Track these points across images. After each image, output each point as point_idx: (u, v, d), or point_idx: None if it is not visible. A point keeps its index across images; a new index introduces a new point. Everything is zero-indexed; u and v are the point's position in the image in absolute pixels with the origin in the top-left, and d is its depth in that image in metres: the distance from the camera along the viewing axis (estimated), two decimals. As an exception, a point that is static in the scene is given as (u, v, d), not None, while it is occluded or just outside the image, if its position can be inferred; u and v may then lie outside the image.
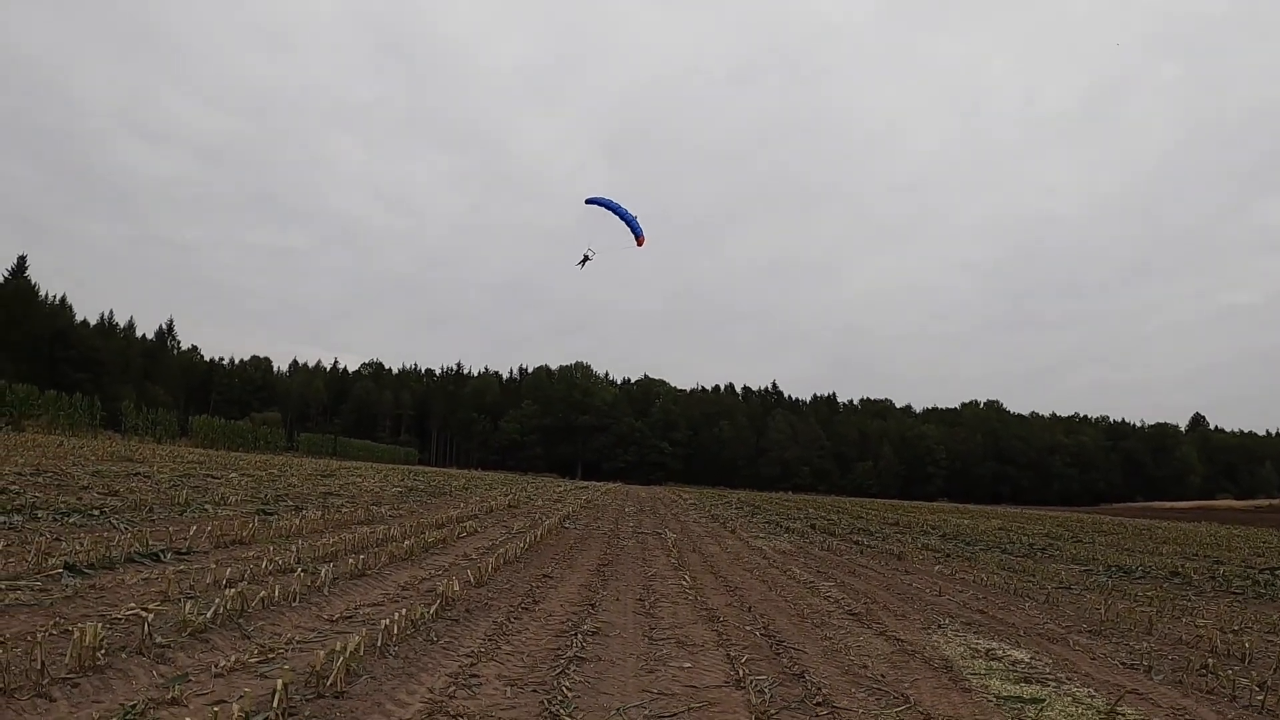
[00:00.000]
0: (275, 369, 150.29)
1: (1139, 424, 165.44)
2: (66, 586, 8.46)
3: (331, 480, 32.88)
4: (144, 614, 7.43)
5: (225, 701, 5.67)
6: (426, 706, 6.45)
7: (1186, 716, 7.70)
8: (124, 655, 6.52)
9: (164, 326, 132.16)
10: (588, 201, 34.97)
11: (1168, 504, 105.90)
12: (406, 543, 15.28)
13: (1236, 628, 12.26)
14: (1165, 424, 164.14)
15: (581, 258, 32.25)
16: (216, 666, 6.60)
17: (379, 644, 7.85)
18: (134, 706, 5.44)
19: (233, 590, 8.71)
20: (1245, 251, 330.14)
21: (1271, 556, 25.80)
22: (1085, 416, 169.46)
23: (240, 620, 8.17)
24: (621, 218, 33.23)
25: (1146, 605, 14.41)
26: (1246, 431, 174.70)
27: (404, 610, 9.15)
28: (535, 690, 7.30)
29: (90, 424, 56.72)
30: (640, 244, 34.56)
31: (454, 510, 25.36)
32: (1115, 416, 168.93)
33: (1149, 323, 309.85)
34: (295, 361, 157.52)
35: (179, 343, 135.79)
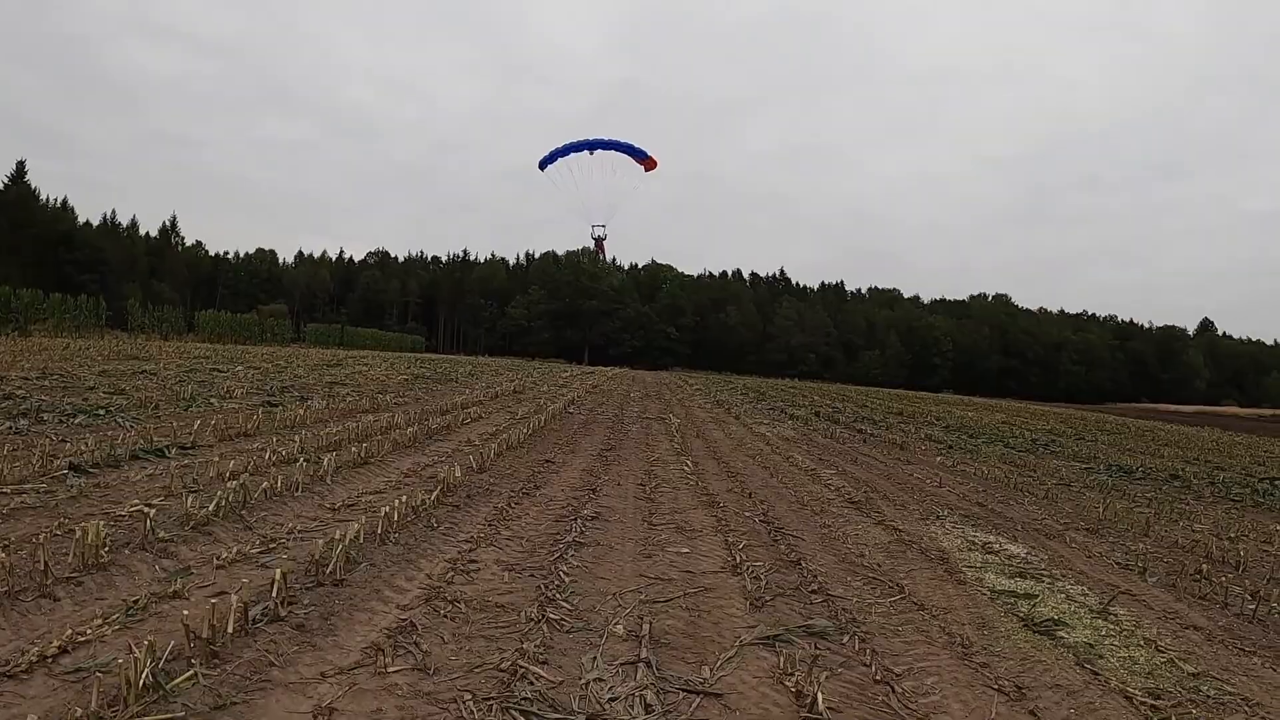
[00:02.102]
0: (281, 261, 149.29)
1: (1147, 325, 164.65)
2: (71, 487, 8.48)
3: (337, 370, 32.97)
4: (147, 510, 7.47)
5: (226, 593, 5.74)
6: (424, 592, 6.54)
7: (1177, 620, 7.76)
8: (127, 552, 6.59)
9: (167, 224, 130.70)
10: (554, 155, 31.81)
11: (1172, 407, 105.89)
12: (410, 430, 15.39)
13: (1233, 535, 12.28)
14: (1173, 327, 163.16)
15: (594, 241, 31.11)
16: (218, 559, 6.67)
17: (379, 531, 7.93)
18: (136, 601, 5.50)
19: (235, 482, 8.78)
20: (1269, 159, 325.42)
21: (1272, 466, 25.79)
22: (1094, 315, 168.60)
23: (242, 512, 8.24)
24: (615, 148, 31.02)
25: (1145, 507, 14.48)
26: (1255, 340, 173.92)
27: (405, 497, 9.22)
28: (533, 575, 7.39)
29: (96, 325, 56.69)
30: (650, 167, 32.51)
31: (459, 396, 25.50)
32: (1124, 316, 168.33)
33: (1164, 225, 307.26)
34: (301, 253, 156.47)
35: (183, 239, 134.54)
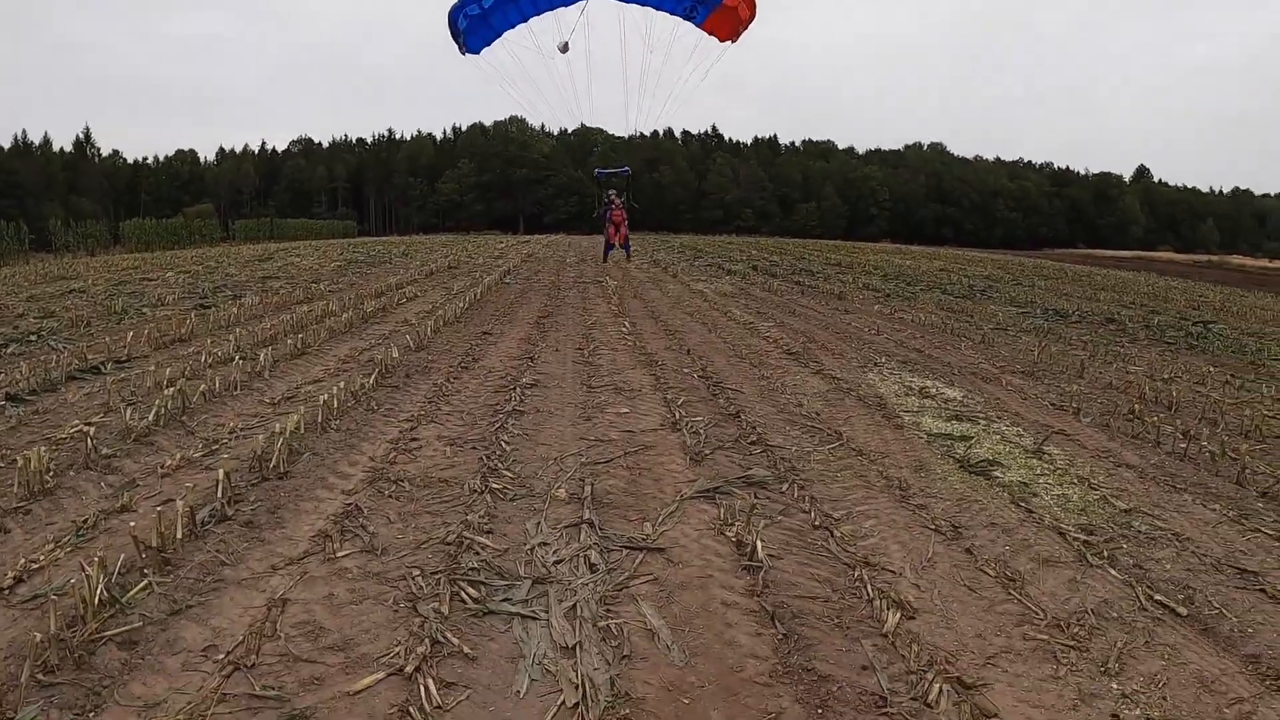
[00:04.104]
0: (202, 160, 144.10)
1: (1084, 172, 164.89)
2: (10, 417, 8.29)
3: (269, 264, 32.32)
4: (87, 429, 7.40)
5: (172, 500, 5.73)
6: (368, 475, 6.61)
7: (1111, 459, 8.01)
8: (72, 473, 6.54)
9: (81, 136, 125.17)
10: (497, 16, 19.03)
11: (1109, 252, 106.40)
12: (345, 315, 15.32)
13: (1166, 376, 12.53)
14: (1110, 174, 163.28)
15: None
16: (163, 467, 6.67)
17: (320, 420, 7.95)
18: (85, 521, 5.51)
19: (173, 389, 8.70)
20: (1213, 6, 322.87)
21: (1207, 310, 26.12)
22: (1030, 162, 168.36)
23: (183, 418, 8.20)
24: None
25: (1080, 349, 14.73)
26: (1190, 187, 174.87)
27: (344, 383, 9.26)
28: (474, 447, 7.50)
29: (19, 249, 54.62)
30: (729, 30, 18.81)
31: (393, 278, 25.25)
32: (1060, 164, 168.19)
33: (1103, 71, 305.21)
34: (222, 149, 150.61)
35: (99, 150, 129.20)
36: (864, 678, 4.07)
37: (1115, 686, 4.22)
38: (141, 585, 4.58)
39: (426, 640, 4.09)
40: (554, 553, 5.22)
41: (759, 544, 5.26)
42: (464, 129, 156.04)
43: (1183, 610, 5.00)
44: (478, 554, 5.14)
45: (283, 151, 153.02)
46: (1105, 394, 10.99)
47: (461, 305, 17.24)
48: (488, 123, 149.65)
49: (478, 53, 20.07)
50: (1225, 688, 4.29)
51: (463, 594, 4.64)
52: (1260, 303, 31.37)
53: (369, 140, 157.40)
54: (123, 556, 4.79)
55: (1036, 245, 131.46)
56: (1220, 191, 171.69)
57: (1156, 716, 4.01)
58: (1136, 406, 9.95)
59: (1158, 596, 5.13)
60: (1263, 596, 5.29)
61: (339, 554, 5.09)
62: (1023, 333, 16.83)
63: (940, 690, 3.98)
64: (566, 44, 20.57)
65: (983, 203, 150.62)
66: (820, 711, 3.78)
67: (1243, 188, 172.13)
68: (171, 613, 4.37)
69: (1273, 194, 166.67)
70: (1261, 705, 4.17)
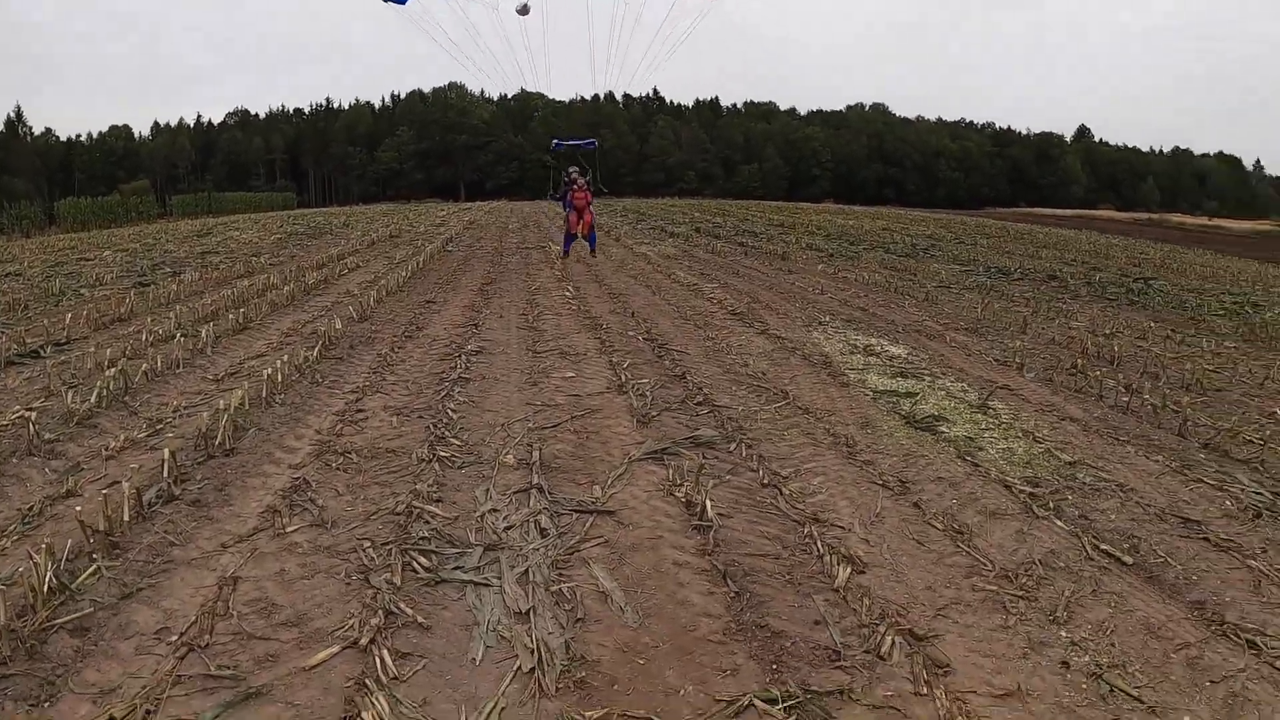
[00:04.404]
0: (137, 135, 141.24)
1: (1025, 132, 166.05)
2: None
3: (208, 239, 31.79)
4: (29, 414, 7.24)
5: (118, 482, 5.64)
6: (315, 448, 6.56)
7: (1054, 413, 8.15)
8: (15, 460, 6.40)
9: (12, 115, 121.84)
10: None
11: (1050, 211, 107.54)
12: (287, 288, 15.13)
13: (1108, 331, 12.76)
14: (1051, 134, 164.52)
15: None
16: (107, 449, 6.55)
17: (264, 395, 7.88)
18: (31, 508, 5.41)
19: (114, 370, 8.54)
20: None
21: (1147, 266, 26.49)
22: (972, 122, 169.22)
23: (125, 398, 8.05)
24: None
25: (1023, 306, 14.95)
26: (1131, 146, 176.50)
27: (287, 357, 9.18)
28: (421, 416, 7.48)
29: None
30: None
31: (334, 249, 25.03)
32: (1002, 124, 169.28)
33: (1043, 31, 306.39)
34: (157, 124, 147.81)
35: (31, 129, 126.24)
36: (817, 632, 4.13)
37: (1064, 634, 4.32)
38: (91, 570, 4.52)
39: (380, 612, 4.09)
40: (504, 519, 5.23)
41: (708, 503, 5.30)
42: (402, 97, 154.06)
43: (1128, 559, 5.11)
44: (428, 523, 5.13)
45: (219, 124, 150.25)
46: (1048, 349, 11.18)
47: (404, 274, 17.13)
48: (426, 90, 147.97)
49: (403, 2, 19.24)
50: (1171, 633, 4.40)
51: (414, 564, 4.63)
52: (1200, 260, 32.10)
53: (306, 110, 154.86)
54: (70, 542, 4.72)
55: (979, 204, 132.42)
56: (1160, 151, 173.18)
57: (1105, 662, 4.11)
58: (1079, 361, 10.14)
59: (1103, 546, 5.24)
60: (1206, 545, 5.42)
61: (288, 529, 5.06)
62: (966, 290, 17.04)
63: (893, 643, 4.05)
64: (526, 5, 19.97)
65: (925, 163, 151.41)
66: (775, 667, 3.83)
67: (1183, 147, 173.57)
68: (122, 596, 4.32)
69: (1212, 154, 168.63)
70: (1207, 650, 4.29)
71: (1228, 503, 6.24)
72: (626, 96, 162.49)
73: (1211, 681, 4.10)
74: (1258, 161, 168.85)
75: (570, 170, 19.87)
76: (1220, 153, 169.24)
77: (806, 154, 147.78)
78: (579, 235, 19.29)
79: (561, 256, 20.62)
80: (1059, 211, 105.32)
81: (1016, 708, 3.76)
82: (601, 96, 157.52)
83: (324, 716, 3.42)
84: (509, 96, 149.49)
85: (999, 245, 31.81)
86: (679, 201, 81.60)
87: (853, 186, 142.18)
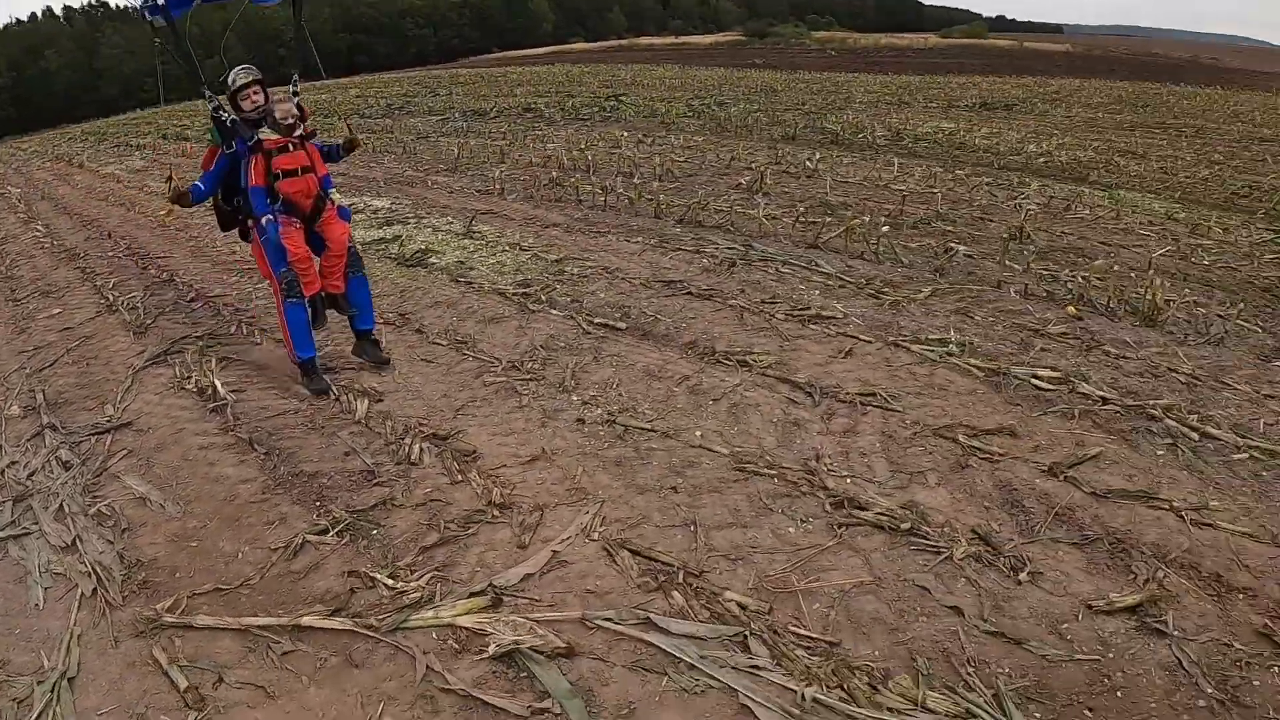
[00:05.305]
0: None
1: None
2: None
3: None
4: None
5: None
6: None
7: (538, 223, 8.80)
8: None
9: None
10: None
11: (524, 52, 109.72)
12: None
13: (583, 146, 13.54)
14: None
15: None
16: None
17: None
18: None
19: None
20: None
21: (619, 86, 27.97)
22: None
23: None
24: None
25: (501, 140, 15.48)
26: None
27: None
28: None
29: None
30: None
31: None
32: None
33: None
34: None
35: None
36: (350, 462, 4.33)
37: (575, 399, 4.81)
38: None
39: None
40: (25, 468, 4.92)
41: (218, 384, 5.29)
42: None
43: (621, 325, 5.72)
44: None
45: None
46: (528, 171, 11.81)
47: None
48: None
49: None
50: (671, 373, 5.04)
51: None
52: (669, 74, 34.63)
53: None
54: None
55: (451, 57, 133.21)
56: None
57: (616, 409, 4.64)
58: (555, 174, 10.84)
59: (597, 320, 5.83)
60: (691, 298, 6.19)
61: None
62: (444, 137, 17.42)
63: (420, 449, 4.34)
64: None
65: (392, 24, 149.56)
66: (318, 503, 4.00)
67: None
68: None
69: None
70: (704, 378, 4.98)
71: (704, 261, 7.13)
72: (67, 9, 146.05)
73: (714, 400, 4.79)
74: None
75: (246, 80, 6.23)
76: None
77: (269, 34, 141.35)
78: (320, 292, 5.67)
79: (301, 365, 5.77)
80: (533, 51, 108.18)
81: (545, 466, 4.21)
82: (40, 14, 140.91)
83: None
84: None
85: (474, 91, 32.45)
86: (143, 113, 75.81)
87: (325, 57, 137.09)
